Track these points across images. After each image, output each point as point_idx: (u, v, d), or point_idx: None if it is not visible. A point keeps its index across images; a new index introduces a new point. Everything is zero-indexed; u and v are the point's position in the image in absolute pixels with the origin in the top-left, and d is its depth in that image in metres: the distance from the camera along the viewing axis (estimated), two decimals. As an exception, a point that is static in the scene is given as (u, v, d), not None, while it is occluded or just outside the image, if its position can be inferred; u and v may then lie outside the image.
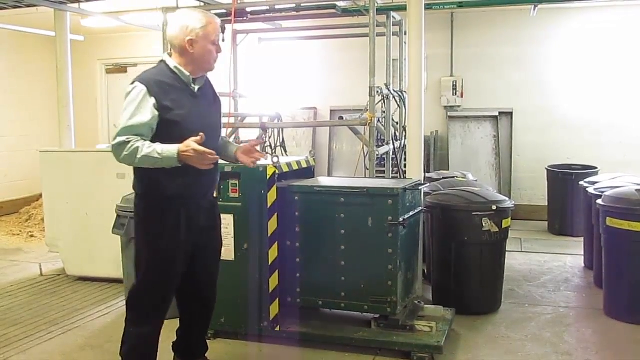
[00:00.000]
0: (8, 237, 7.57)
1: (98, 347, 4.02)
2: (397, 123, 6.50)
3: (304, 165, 4.29)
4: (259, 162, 3.32)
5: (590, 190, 5.17)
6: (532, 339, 4.05)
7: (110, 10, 7.68)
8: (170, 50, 3.06)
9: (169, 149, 2.78)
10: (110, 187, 5.20)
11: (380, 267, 3.75)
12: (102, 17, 7.61)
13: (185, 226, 3.01)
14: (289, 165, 4.08)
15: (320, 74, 8.91)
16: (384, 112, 5.98)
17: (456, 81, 8.36)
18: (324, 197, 3.91)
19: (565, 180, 7.12)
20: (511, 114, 8.27)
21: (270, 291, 3.83)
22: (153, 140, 2.85)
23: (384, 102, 5.90)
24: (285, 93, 8.88)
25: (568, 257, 6.14)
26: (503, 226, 4.46)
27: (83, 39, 8.83)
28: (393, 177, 6.06)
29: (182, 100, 2.96)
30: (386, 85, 5.86)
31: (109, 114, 10.36)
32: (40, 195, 7.38)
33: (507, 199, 4.68)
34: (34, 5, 6.45)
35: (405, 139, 5.86)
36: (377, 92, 5.25)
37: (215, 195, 3.33)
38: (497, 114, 8.26)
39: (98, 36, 9.59)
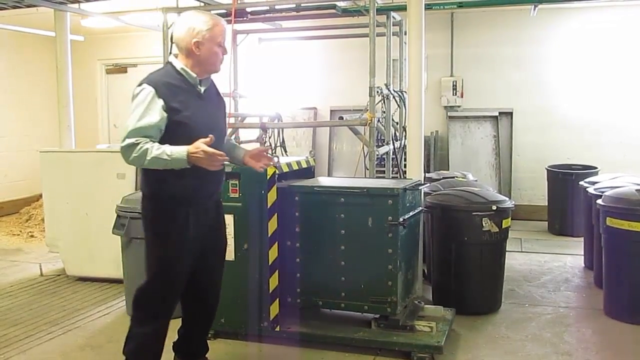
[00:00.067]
0: (8, 237, 7.57)
1: (98, 347, 4.02)
2: (397, 123, 6.50)
3: (304, 165, 4.29)
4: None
5: (590, 190, 5.17)
6: (532, 339, 4.05)
7: (110, 11, 7.68)
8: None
9: (179, 151, 2.80)
10: (110, 187, 5.21)
11: (380, 267, 3.75)
12: (102, 17, 7.61)
13: (193, 226, 3.04)
14: (289, 165, 4.08)
15: (320, 74, 8.91)
16: (384, 112, 5.98)
17: (456, 81, 8.36)
18: (324, 197, 3.92)
19: (565, 180, 7.12)
20: (511, 114, 8.27)
21: (270, 291, 3.83)
22: (160, 142, 2.86)
23: (384, 102, 5.90)
24: (285, 93, 8.88)
25: (568, 257, 6.14)
26: (503, 226, 4.46)
27: (83, 39, 8.83)
28: (393, 177, 6.06)
29: (189, 101, 2.98)
30: (386, 85, 5.86)
31: (109, 114, 10.36)
32: (40, 196, 7.40)
33: (507, 199, 4.68)
34: (34, 6, 6.45)
35: (405, 139, 5.85)
36: (377, 92, 5.25)
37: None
38: (497, 114, 8.26)
39: (98, 36, 9.59)
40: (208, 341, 3.54)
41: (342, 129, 8.14)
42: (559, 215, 7.28)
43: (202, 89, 3.08)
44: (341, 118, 5.53)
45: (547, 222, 7.50)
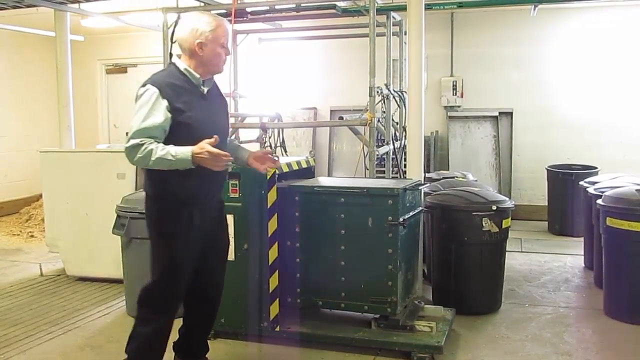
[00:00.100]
0: (8, 237, 7.57)
1: (98, 347, 4.02)
2: (397, 123, 6.50)
3: (304, 165, 4.29)
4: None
5: (590, 190, 5.17)
6: (532, 339, 4.05)
7: (110, 11, 7.68)
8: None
9: (183, 151, 2.81)
10: (110, 187, 5.21)
11: (380, 267, 3.75)
12: (102, 17, 7.61)
13: (197, 225, 3.06)
14: (289, 165, 4.08)
15: (320, 74, 8.91)
16: (384, 112, 5.98)
17: (456, 81, 8.36)
18: (324, 197, 3.92)
19: (565, 181, 7.13)
20: (511, 114, 8.27)
21: (270, 291, 3.83)
22: (164, 142, 2.88)
23: (384, 102, 5.90)
24: (285, 93, 8.88)
25: (568, 257, 6.14)
26: (503, 226, 4.46)
27: (83, 39, 8.83)
28: (393, 177, 6.06)
29: (193, 102, 2.99)
30: (386, 85, 5.86)
31: (109, 114, 10.36)
32: (40, 196, 7.39)
33: (507, 199, 4.68)
34: (34, 6, 6.45)
35: (405, 139, 5.86)
36: (377, 92, 5.25)
37: None
38: (497, 114, 8.26)
39: (98, 36, 9.59)
40: (208, 341, 3.53)
41: (342, 129, 8.14)
42: (559, 215, 7.27)
43: (205, 90, 3.09)
44: (341, 118, 5.53)
45: (547, 222, 7.50)
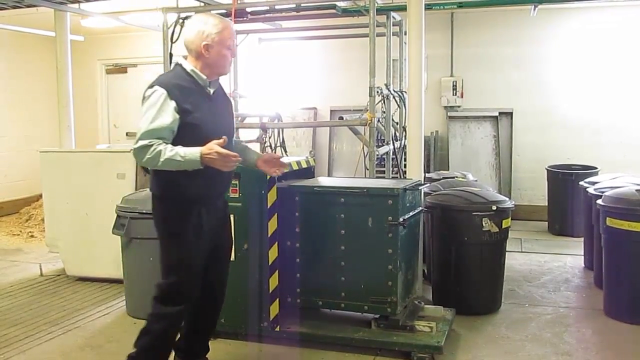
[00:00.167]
0: (8, 237, 7.57)
1: (98, 347, 4.02)
2: (397, 123, 6.50)
3: (304, 165, 4.29)
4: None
5: (590, 190, 5.17)
6: (532, 339, 4.05)
7: (110, 11, 7.68)
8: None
9: (192, 152, 2.83)
10: (110, 187, 5.21)
11: (380, 267, 3.75)
12: (102, 17, 7.61)
13: (205, 224, 3.09)
14: (289, 165, 4.08)
15: (320, 74, 8.91)
16: (384, 112, 5.98)
17: (456, 81, 8.36)
18: (324, 197, 3.92)
19: (565, 181, 7.12)
20: (511, 114, 8.27)
21: (270, 291, 3.83)
22: (172, 143, 2.89)
23: (384, 102, 5.90)
24: (285, 93, 8.88)
25: (568, 257, 6.14)
26: (503, 226, 4.46)
27: (83, 39, 8.83)
28: (393, 177, 6.06)
29: (200, 103, 3.02)
30: (386, 85, 5.86)
31: (109, 114, 10.36)
32: (40, 196, 7.38)
33: (507, 199, 4.68)
34: (34, 6, 6.45)
35: (405, 139, 5.85)
36: (377, 92, 5.25)
37: None
38: (497, 114, 8.26)
39: (98, 36, 9.59)
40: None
41: (342, 129, 8.14)
42: (559, 216, 7.27)
43: (212, 91, 3.12)
44: (341, 118, 5.53)
45: (547, 222, 7.50)
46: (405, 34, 5.77)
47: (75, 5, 6.75)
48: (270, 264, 3.82)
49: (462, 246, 4.48)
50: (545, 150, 8.07)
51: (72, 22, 7.47)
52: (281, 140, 6.11)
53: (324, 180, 4.70)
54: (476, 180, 6.12)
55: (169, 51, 5.99)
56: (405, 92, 5.64)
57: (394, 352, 3.73)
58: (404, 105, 6.05)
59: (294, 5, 6.00)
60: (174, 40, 5.95)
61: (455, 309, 4.21)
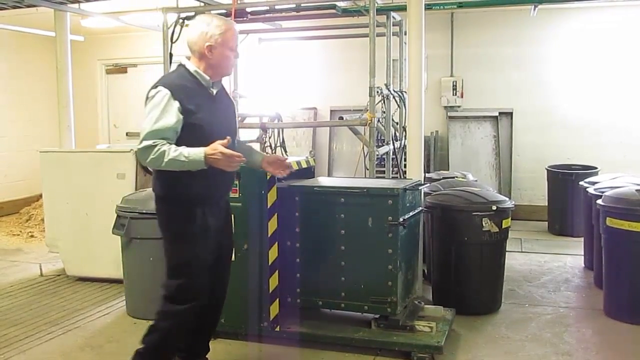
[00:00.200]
0: (8, 237, 7.57)
1: (98, 347, 4.02)
2: (397, 123, 6.50)
3: (304, 165, 4.28)
4: None
5: (590, 190, 5.17)
6: (532, 339, 4.05)
7: (110, 11, 7.68)
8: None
9: (196, 152, 2.83)
10: (110, 187, 5.21)
11: (380, 267, 3.75)
12: (102, 17, 7.61)
13: (210, 223, 3.10)
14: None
15: (320, 74, 8.91)
16: (384, 112, 5.98)
17: (456, 81, 8.36)
18: (324, 197, 3.92)
19: (565, 181, 7.12)
20: (511, 114, 8.27)
21: (270, 291, 3.83)
22: (175, 144, 2.90)
23: (384, 102, 5.90)
24: (285, 93, 8.88)
25: (568, 257, 6.14)
26: (503, 226, 4.46)
27: (83, 39, 8.83)
28: (393, 177, 6.06)
29: (204, 103, 3.02)
30: (386, 85, 5.86)
31: (109, 114, 10.36)
32: (40, 196, 7.39)
33: (507, 199, 4.68)
34: (34, 6, 6.45)
35: (405, 139, 5.85)
36: (377, 92, 5.25)
37: None
38: (497, 114, 8.26)
39: (98, 36, 9.59)
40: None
41: (342, 129, 8.14)
42: (559, 216, 7.27)
43: (215, 91, 3.13)
44: (341, 118, 5.53)
45: (547, 222, 7.50)
46: (405, 34, 5.77)
47: (75, 5, 6.75)
48: (270, 264, 3.82)
49: (462, 246, 4.48)
50: (545, 150, 8.07)
51: (72, 22, 7.47)
52: (281, 140, 6.11)
53: (324, 180, 4.70)
54: (476, 180, 6.12)
55: (169, 51, 5.99)
56: (405, 92, 5.64)
57: (394, 352, 3.73)
58: (404, 105, 6.05)
59: (294, 5, 6.00)
60: (174, 41, 5.95)
61: (455, 309, 4.21)
